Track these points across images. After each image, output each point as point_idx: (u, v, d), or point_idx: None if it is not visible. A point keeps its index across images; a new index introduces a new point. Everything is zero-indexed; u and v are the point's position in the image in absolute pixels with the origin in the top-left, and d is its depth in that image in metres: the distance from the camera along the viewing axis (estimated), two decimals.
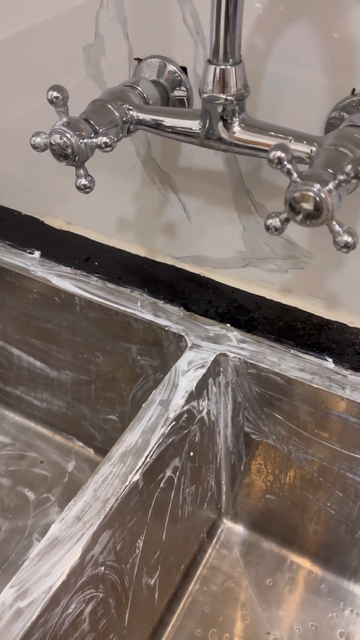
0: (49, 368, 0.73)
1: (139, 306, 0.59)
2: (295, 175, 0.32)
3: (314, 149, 0.35)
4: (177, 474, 0.54)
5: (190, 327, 0.57)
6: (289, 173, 0.32)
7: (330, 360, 0.53)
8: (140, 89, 0.43)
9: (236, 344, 0.55)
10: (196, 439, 0.56)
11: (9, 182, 0.71)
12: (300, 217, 0.32)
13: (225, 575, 0.65)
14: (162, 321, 0.58)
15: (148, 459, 0.46)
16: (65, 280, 0.63)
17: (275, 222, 0.34)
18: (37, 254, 0.66)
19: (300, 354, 0.54)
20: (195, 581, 0.64)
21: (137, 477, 0.45)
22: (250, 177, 0.53)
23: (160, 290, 0.61)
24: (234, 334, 0.56)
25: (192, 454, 0.56)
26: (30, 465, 0.77)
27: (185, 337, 0.56)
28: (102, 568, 0.44)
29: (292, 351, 0.54)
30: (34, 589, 0.38)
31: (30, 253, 0.67)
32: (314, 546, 0.64)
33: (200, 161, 0.55)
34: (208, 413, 0.56)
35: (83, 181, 0.39)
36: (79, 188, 0.40)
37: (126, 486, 0.44)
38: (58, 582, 0.38)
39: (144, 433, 0.47)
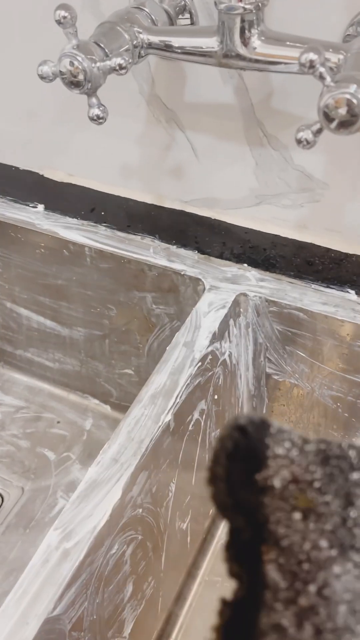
0: (60, 326, 0.72)
1: (152, 252, 0.58)
2: (328, 79, 0.30)
3: (341, 57, 0.33)
4: (204, 417, 0.53)
5: (206, 270, 0.55)
6: (321, 77, 0.30)
7: (353, 292, 0.52)
8: (147, 10, 0.40)
9: (255, 283, 0.54)
10: (219, 382, 0.55)
11: (4, 136, 0.68)
12: (334, 124, 0.31)
13: None
14: (177, 266, 0.56)
15: (178, 400, 0.45)
16: (73, 231, 0.61)
17: (306, 134, 0.32)
18: (40, 207, 0.64)
19: (322, 288, 0.53)
20: (223, 526, 0.65)
21: (168, 417, 0.44)
22: (261, 108, 0.51)
23: (171, 236, 0.60)
24: (252, 274, 0.55)
25: (216, 397, 0.55)
26: (48, 426, 0.77)
27: (203, 279, 0.55)
28: (140, 510, 0.44)
29: (313, 286, 0.53)
30: (78, 530, 0.37)
31: (33, 207, 0.65)
32: None
33: (208, 94, 0.52)
34: (230, 355, 0.56)
35: (96, 111, 0.37)
36: (92, 119, 0.38)
37: (159, 426, 0.43)
38: (101, 523, 0.38)
39: (172, 374, 0.46)
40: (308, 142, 0.33)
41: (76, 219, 0.62)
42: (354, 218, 0.54)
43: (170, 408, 0.44)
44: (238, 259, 0.56)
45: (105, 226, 0.61)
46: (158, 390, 0.45)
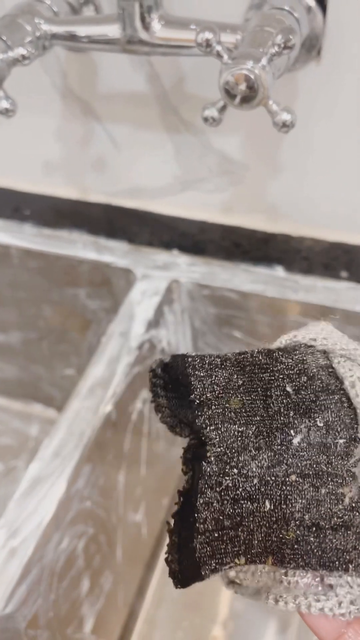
0: None
1: (81, 247, 0.57)
2: (225, 56, 0.31)
3: (238, 37, 0.34)
4: (147, 406, 0.53)
5: (137, 260, 0.55)
6: (219, 55, 0.31)
7: (280, 268, 0.53)
8: (48, 2, 0.40)
9: (186, 269, 0.54)
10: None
11: None
12: (237, 100, 0.32)
13: None
14: (106, 258, 0.56)
15: (117, 389, 0.45)
16: None
17: (211, 112, 0.33)
18: None
19: (251, 268, 0.54)
20: None
21: (108, 407, 0.44)
22: (175, 93, 0.51)
23: (99, 229, 0.59)
24: (182, 259, 0.55)
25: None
26: None
27: (133, 269, 0.55)
28: (89, 503, 0.43)
29: (241, 267, 0.54)
30: (23, 527, 0.36)
31: None
32: None
33: (121, 84, 0.52)
34: (168, 343, 0.56)
35: (4, 104, 0.37)
36: (0, 112, 0.37)
37: (99, 418, 0.43)
38: (47, 518, 0.37)
39: (109, 364, 0.46)
40: (214, 120, 0.33)
41: None
42: (275, 197, 0.56)
43: (110, 398, 0.44)
44: (167, 246, 0.57)
45: (30, 225, 0.60)
46: (96, 382, 0.45)
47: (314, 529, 0.21)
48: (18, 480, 0.70)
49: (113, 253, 0.56)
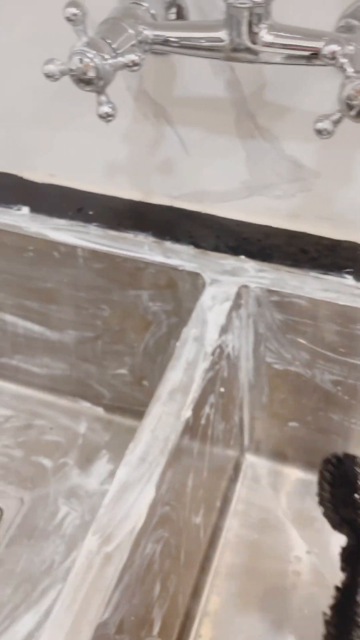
0: (49, 330, 0.70)
1: (147, 249, 0.58)
2: (350, 70, 0.31)
3: (351, 47, 0.34)
4: (213, 410, 0.54)
5: (204, 264, 0.56)
6: (343, 68, 0.31)
7: (350, 277, 0.53)
8: (146, 4, 0.40)
9: (255, 274, 0.54)
10: (225, 375, 0.56)
11: None
12: (354, 112, 0.32)
13: (258, 506, 0.66)
14: (173, 261, 0.56)
15: (195, 395, 0.45)
16: (62, 232, 0.60)
17: (326, 124, 0.33)
18: (25, 209, 0.63)
19: (320, 275, 0.54)
20: (231, 516, 0.65)
21: (188, 412, 0.44)
22: (253, 100, 0.51)
23: (164, 232, 0.59)
24: (250, 265, 0.55)
25: (222, 389, 0.55)
26: (40, 434, 0.75)
27: (202, 273, 0.55)
28: (168, 508, 0.44)
29: (311, 274, 0.54)
30: (116, 532, 0.37)
31: (17, 210, 0.63)
32: None
33: (199, 88, 0.52)
34: (233, 348, 0.56)
35: (105, 109, 0.37)
36: (101, 116, 0.37)
37: (181, 423, 0.43)
38: (139, 523, 0.37)
39: (186, 370, 0.46)
40: (328, 132, 0.33)
41: (64, 220, 0.61)
42: (344, 205, 0.55)
43: (190, 403, 0.44)
44: (234, 251, 0.57)
45: (95, 226, 0.60)
46: (175, 387, 0.45)
47: None
48: (68, 477, 0.71)
49: (179, 256, 0.56)
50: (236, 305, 0.54)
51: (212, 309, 0.51)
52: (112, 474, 0.71)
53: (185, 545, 0.53)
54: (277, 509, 0.66)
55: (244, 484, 0.68)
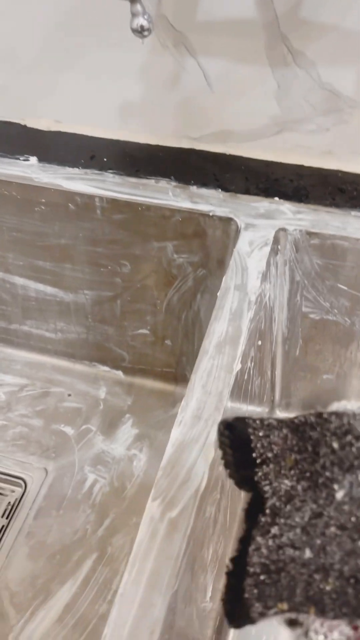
0: (62, 292, 0.66)
1: (171, 195, 0.53)
2: None
3: None
4: (252, 364, 0.50)
5: (236, 208, 0.51)
6: None
7: None
8: None
9: (292, 216, 0.50)
10: (262, 326, 0.52)
11: None
12: None
13: None
14: (202, 207, 0.52)
15: (243, 347, 0.42)
16: (77, 182, 0.55)
17: None
18: (33, 159, 0.58)
19: None
20: None
21: (239, 365, 0.41)
22: (287, 19, 0.46)
23: (187, 177, 0.55)
24: (287, 207, 0.51)
25: (260, 342, 0.52)
26: (58, 401, 0.72)
27: (235, 218, 0.51)
28: (221, 467, 0.41)
29: (352, 213, 0.50)
30: (179, 496, 0.34)
31: (25, 160, 0.58)
32: None
33: (224, 11, 0.47)
34: (269, 298, 0.52)
35: (141, 21, 0.32)
36: (135, 31, 0.33)
37: (233, 376, 0.40)
38: (202, 485, 0.34)
39: (231, 320, 0.43)
40: None
41: (77, 169, 0.56)
42: None
43: (239, 356, 0.41)
44: (266, 193, 0.53)
45: (111, 173, 0.56)
46: (222, 339, 0.42)
47: (352, 580, 0.22)
48: (93, 444, 0.67)
49: (208, 201, 0.52)
50: (273, 251, 0.50)
51: (251, 255, 0.47)
52: (138, 439, 0.68)
53: (230, 506, 0.51)
54: None
55: None
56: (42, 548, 0.59)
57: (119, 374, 0.73)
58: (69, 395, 0.72)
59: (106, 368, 0.73)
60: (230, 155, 0.57)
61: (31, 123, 0.62)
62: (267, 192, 0.52)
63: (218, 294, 0.45)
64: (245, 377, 0.48)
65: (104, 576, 0.57)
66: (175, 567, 0.31)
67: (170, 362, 0.69)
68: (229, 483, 0.45)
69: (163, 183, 0.54)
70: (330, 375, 0.62)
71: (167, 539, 0.32)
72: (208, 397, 0.38)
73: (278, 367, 0.63)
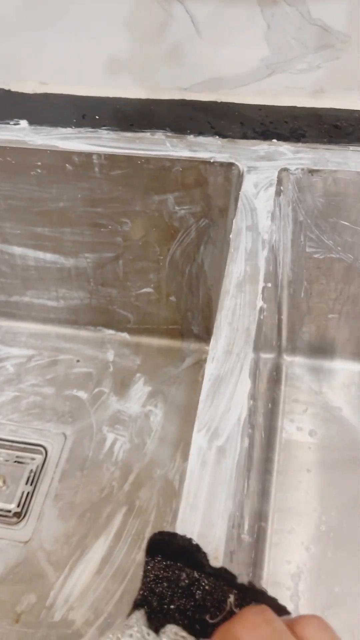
0: (63, 257, 0.66)
1: (169, 146, 0.53)
2: None
3: None
4: (266, 306, 0.51)
5: (236, 152, 0.52)
6: None
7: None
8: None
9: (293, 156, 0.51)
10: (270, 269, 0.53)
11: None
12: None
13: (305, 403, 0.66)
14: (202, 154, 0.52)
15: (263, 284, 0.43)
16: (72, 141, 0.54)
17: None
18: (23, 123, 0.57)
19: None
20: (280, 417, 0.65)
21: (260, 302, 0.42)
22: None
23: (183, 127, 0.55)
24: (286, 147, 0.52)
25: (269, 284, 0.53)
26: (68, 368, 0.72)
27: (236, 162, 0.51)
28: (252, 401, 0.42)
29: (351, 148, 0.51)
30: (223, 425, 0.35)
31: (15, 124, 0.57)
32: None
33: None
34: (275, 240, 0.53)
35: None
36: None
37: (257, 312, 0.41)
38: (244, 413, 0.35)
39: (248, 260, 0.44)
40: None
41: (70, 129, 0.56)
42: None
43: (261, 291, 0.42)
44: (264, 136, 0.53)
45: (106, 130, 0.55)
46: (241, 279, 0.42)
47: None
48: (108, 405, 0.68)
49: (207, 148, 0.52)
50: (276, 193, 0.51)
51: (257, 197, 0.48)
52: (151, 396, 0.69)
53: (257, 444, 0.52)
54: (323, 404, 0.65)
55: (287, 384, 0.67)
56: (71, 508, 0.61)
57: (125, 335, 0.74)
58: (78, 361, 0.73)
59: (112, 331, 0.74)
60: (222, 103, 0.57)
61: (16, 87, 0.61)
62: (264, 135, 0.53)
63: (231, 236, 0.45)
64: (262, 317, 0.49)
65: (136, 527, 0.59)
66: (229, 490, 0.32)
67: (176, 319, 0.70)
68: (261, 417, 0.47)
69: (159, 135, 0.54)
70: (334, 314, 0.63)
71: (217, 465, 0.33)
72: (236, 333, 0.39)
73: (284, 311, 0.64)
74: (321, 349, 0.68)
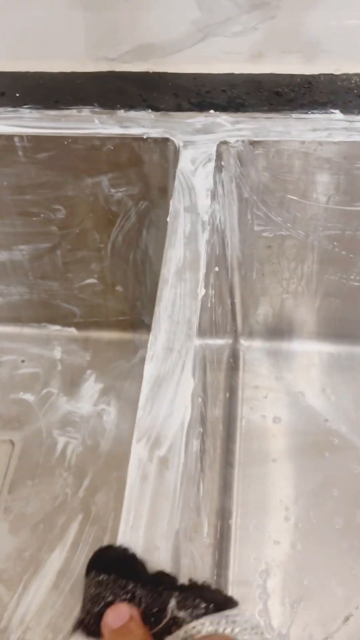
0: None
1: (98, 123, 0.48)
2: None
3: None
4: (213, 291, 0.48)
5: (171, 126, 0.47)
6: None
7: (337, 111, 0.47)
8: None
9: (231, 128, 0.47)
10: (217, 251, 0.49)
11: None
12: None
13: (266, 388, 0.63)
14: (134, 130, 0.48)
15: (204, 270, 0.39)
16: None
17: None
18: None
19: (304, 116, 0.47)
20: (241, 405, 0.62)
21: (203, 290, 0.38)
22: None
23: (112, 101, 0.50)
24: (224, 119, 0.48)
25: (217, 269, 0.49)
26: (12, 369, 0.67)
27: (171, 137, 0.47)
28: (200, 400, 0.38)
29: (293, 116, 0.47)
30: (164, 433, 0.31)
31: None
32: (332, 324, 0.63)
33: None
34: (219, 220, 0.49)
35: None
36: None
37: (198, 302, 0.37)
38: (187, 417, 0.32)
39: (187, 244, 0.40)
40: None
41: None
42: (315, 32, 0.48)
43: (202, 279, 0.38)
44: (200, 107, 0.49)
45: (28, 108, 0.50)
46: (180, 265, 0.38)
47: None
48: (57, 406, 0.64)
49: (139, 124, 0.48)
50: (217, 169, 0.47)
51: (195, 174, 0.44)
52: (104, 393, 0.65)
53: (212, 439, 0.49)
54: (283, 386, 0.62)
55: (245, 369, 0.64)
56: (23, 520, 0.57)
57: (72, 330, 0.69)
58: (23, 361, 0.68)
59: (57, 327, 0.69)
60: (154, 73, 0.52)
61: None
62: (201, 106, 0.49)
63: (168, 219, 0.41)
64: (209, 304, 0.45)
65: (93, 535, 0.55)
66: (173, 505, 0.29)
67: (124, 309, 0.66)
68: (218, 409, 0.43)
69: (86, 111, 0.49)
70: (288, 294, 0.60)
71: (159, 478, 0.30)
72: (177, 326, 0.35)
73: (237, 295, 0.60)
74: (279, 331, 0.65)
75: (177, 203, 0.42)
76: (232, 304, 0.61)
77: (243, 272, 0.58)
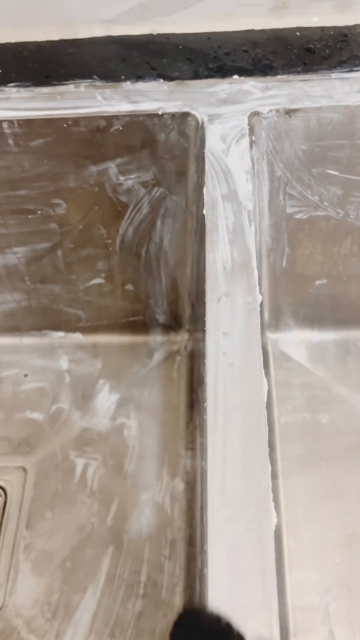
0: None
1: (102, 99, 0.40)
2: None
3: None
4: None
5: (190, 98, 0.40)
6: None
7: None
8: None
9: (262, 95, 0.39)
10: None
11: None
12: None
13: (300, 386, 0.57)
14: (146, 105, 0.40)
15: (258, 271, 0.32)
16: None
17: None
18: None
19: (346, 75, 0.40)
20: (276, 405, 0.56)
21: (259, 297, 0.31)
22: None
23: (115, 72, 0.42)
24: (252, 84, 0.40)
25: None
26: (15, 385, 0.60)
27: (192, 111, 0.39)
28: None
29: (333, 76, 0.40)
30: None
31: None
32: None
33: None
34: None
35: None
36: None
37: (258, 314, 0.30)
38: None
39: (232, 242, 0.33)
40: None
41: None
42: None
43: (257, 284, 0.31)
44: (221, 73, 0.41)
45: (15, 86, 0.42)
46: (229, 267, 0.32)
47: None
48: (71, 424, 0.57)
49: (151, 97, 0.40)
50: (249, 145, 0.39)
51: (228, 153, 0.36)
52: (121, 405, 0.58)
53: None
54: (320, 382, 0.56)
55: (275, 365, 0.58)
56: (47, 559, 0.50)
57: (78, 336, 0.62)
58: (26, 375, 0.61)
59: (60, 333, 0.62)
60: (160, 35, 0.44)
61: None
62: (222, 71, 0.41)
63: (204, 211, 0.34)
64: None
65: (128, 569, 0.49)
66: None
67: (136, 309, 0.59)
68: None
69: (86, 86, 0.41)
70: (323, 280, 0.54)
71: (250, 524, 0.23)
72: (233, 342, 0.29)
73: (264, 284, 0.54)
74: (310, 319, 0.58)
75: (212, 191, 0.35)
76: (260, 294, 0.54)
77: (272, 260, 0.51)
